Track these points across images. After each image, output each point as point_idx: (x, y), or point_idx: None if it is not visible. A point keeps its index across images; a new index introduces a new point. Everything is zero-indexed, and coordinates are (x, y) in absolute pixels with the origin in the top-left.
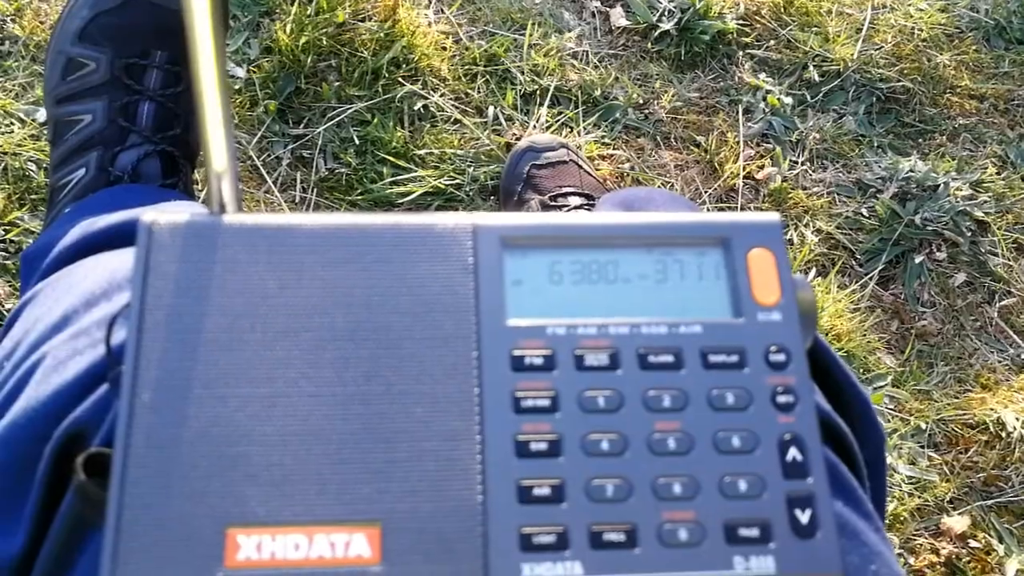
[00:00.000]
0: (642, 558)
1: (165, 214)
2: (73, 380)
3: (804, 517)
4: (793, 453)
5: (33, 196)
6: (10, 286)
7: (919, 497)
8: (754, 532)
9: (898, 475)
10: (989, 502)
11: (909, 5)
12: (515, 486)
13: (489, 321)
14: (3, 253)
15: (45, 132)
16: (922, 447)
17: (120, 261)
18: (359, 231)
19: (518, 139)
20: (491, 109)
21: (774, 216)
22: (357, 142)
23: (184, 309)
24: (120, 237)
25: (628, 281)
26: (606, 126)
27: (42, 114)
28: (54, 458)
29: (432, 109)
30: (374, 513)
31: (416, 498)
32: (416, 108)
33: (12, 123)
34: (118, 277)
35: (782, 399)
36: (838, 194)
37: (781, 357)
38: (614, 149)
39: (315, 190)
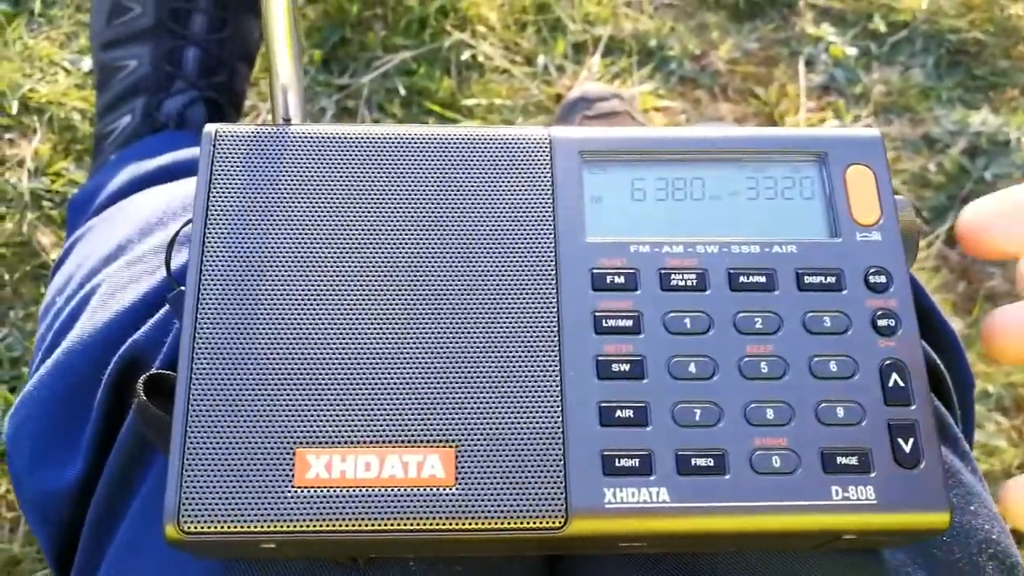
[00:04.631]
0: (732, 485)
1: (229, 124)
2: (130, 306)
3: (907, 446)
4: (895, 379)
5: (78, 146)
6: (56, 235)
7: (986, 462)
8: (853, 460)
9: None
10: None
11: None
12: (596, 407)
13: (568, 238)
14: (49, 203)
15: (90, 81)
16: (989, 411)
17: (175, 191)
18: (431, 140)
19: (569, 90)
20: (541, 59)
21: (875, 131)
22: (403, 92)
23: (250, 220)
24: (171, 176)
25: (717, 198)
26: (661, 77)
27: (87, 63)
28: (112, 384)
29: (480, 59)
30: (448, 434)
31: (492, 418)
32: (464, 58)
33: (57, 72)
34: (174, 205)
35: (883, 323)
36: (904, 149)
37: (882, 279)
38: (669, 101)
39: None
